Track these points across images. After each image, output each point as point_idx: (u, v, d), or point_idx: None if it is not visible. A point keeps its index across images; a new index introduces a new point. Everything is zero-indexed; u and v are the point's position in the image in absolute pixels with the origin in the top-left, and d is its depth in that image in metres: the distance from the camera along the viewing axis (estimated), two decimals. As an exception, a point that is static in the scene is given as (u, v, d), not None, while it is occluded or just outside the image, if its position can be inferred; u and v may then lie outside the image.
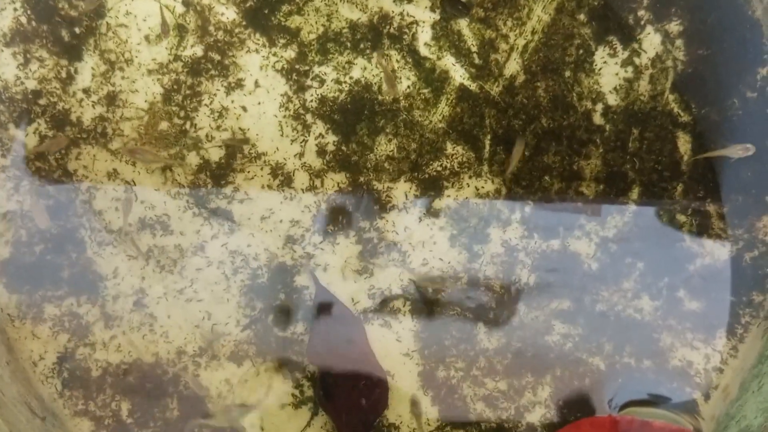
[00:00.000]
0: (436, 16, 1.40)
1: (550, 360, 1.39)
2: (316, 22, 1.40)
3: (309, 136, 1.40)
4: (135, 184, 1.38)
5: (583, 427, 1.31)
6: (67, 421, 1.38)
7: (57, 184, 1.39)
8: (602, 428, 1.29)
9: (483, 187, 1.40)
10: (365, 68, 1.40)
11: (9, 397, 1.31)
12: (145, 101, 1.39)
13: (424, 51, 1.40)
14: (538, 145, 1.41)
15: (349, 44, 1.40)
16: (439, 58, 1.40)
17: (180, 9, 1.39)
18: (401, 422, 1.39)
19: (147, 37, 1.39)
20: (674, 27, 1.40)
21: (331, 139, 1.40)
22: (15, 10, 1.38)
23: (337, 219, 1.41)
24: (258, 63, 1.40)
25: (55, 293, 1.39)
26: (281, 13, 1.40)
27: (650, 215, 1.41)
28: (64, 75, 1.39)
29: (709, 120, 1.40)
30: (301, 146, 1.40)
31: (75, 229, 1.39)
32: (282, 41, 1.40)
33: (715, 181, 1.40)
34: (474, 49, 1.40)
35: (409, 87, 1.40)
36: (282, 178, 1.40)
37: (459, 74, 1.40)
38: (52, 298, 1.39)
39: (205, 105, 1.39)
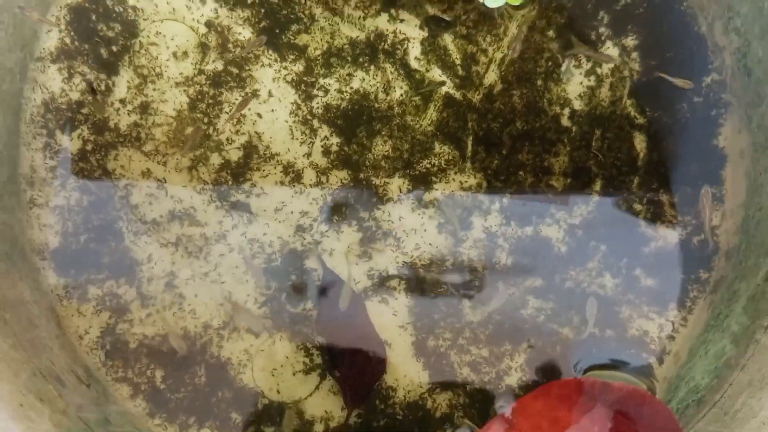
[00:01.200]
0: (425, 33, 1.48)
1: (526, 330, 1.46)
2: (321, 40, 1.49)
3: (316, 138, 1.49)
4: (165, 182, 1.48)
5: (553, 388, 1.35)
6: (109, 386, 1.47)
7: (98, 181, 1.47)
8: (569, 389, 1.34)
9: (466, 182, 1.48)
10: (363, 79, 1.48)
11: (59, 367, 1.41)
12: (174, 109, 1.48)
13: (414, 64, 1.48)
14: (514, 144, 1.48)
15: (349, 59, 1.49)
16: (427, 70, 1.49)
17: (203, 29, 1.49)
18: (398, 385, 1.47)
19: (175, 54, 1.49)
20: (630, 41, 1.48)
21: (334, 140, 1.49)
22: (60, 31, 1.48)
23: (340, 210, 1.49)
24: (271, 76, 1.48)
25: (97, 276, 1.47)
26: (291, 32, 1.49)
27: (611, 205, 1.47)
28: (103, 87, 1.49)
29: (661, 122, 1.48)
30: (309, 147, 1.49)
31: (114, 221, 1.47)
32: (292, 56, 1.49)
33: (667, 174, 1.47)
34: (458, 61, 1.49)
35: (401, 95, 1.49)
36: (293, 175, 1.49)
37: (445, 84, 1.49)
38: (94, 280, 1.47)
39: (226, 113, 1.48)
